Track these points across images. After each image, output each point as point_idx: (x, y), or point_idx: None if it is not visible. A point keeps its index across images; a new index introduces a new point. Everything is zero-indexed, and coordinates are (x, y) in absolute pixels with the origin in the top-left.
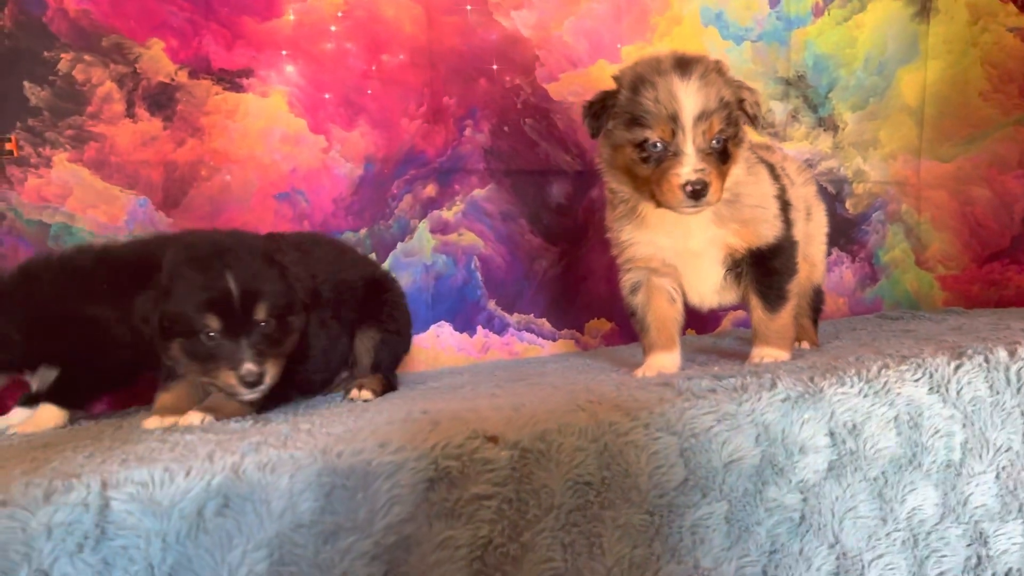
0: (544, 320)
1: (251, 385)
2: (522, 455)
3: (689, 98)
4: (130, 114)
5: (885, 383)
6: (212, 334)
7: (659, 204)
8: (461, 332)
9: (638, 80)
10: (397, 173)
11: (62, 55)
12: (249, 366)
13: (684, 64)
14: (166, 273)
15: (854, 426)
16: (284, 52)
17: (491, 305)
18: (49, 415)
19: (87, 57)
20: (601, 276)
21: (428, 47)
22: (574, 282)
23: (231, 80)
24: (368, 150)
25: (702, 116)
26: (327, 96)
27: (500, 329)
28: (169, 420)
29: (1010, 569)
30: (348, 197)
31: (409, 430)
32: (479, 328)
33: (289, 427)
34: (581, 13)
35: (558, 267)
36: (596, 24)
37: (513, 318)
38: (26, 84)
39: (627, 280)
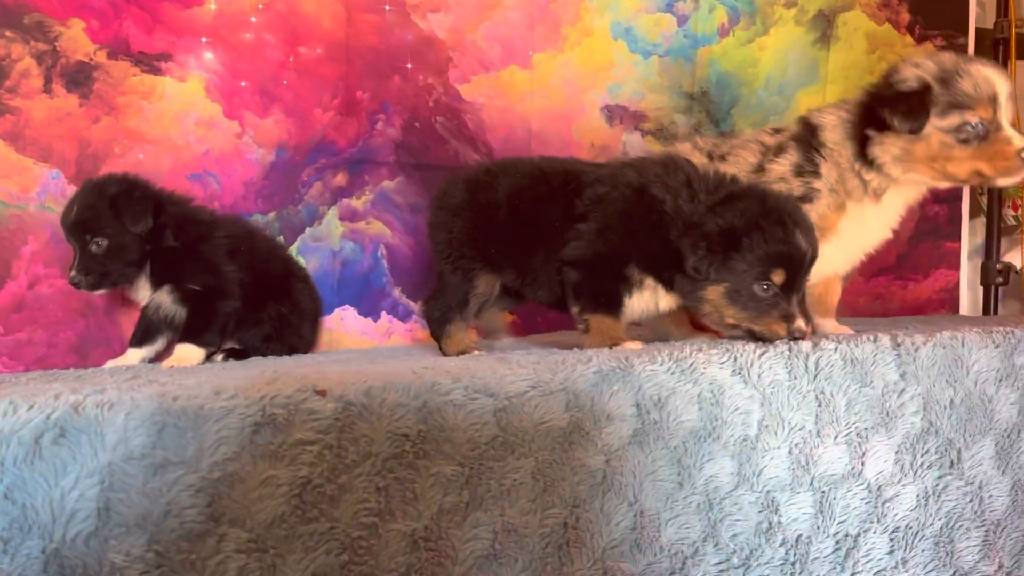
0: None
1: (796, 339)
2: (346, 407)
3: (1003, 81)
4: (47, 90)
5: (692, 364)
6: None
7: (980, 178)
8: (365, 317)
9: (945, 74)
10: (308, 161)
11: None
12: (800, 323)
13: (976, 56)
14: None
15: (659, 400)
16: (204, 39)
17: (396, 292)
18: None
19: (8, 33)
20: None
21: (345, 43)
22: None
23: (149, 63)
24: (281, 137)
25: (1010, 97)
26: (243, 84)
27: (404, 316)
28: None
29: (800, 535)
30: (259, 181)
31: (246, 383)
32: (383, 314)
33: (148, 379)
34: (496, 19)
35: None
36: (509, 31)
37: (418, 306)
38: None
39: None
